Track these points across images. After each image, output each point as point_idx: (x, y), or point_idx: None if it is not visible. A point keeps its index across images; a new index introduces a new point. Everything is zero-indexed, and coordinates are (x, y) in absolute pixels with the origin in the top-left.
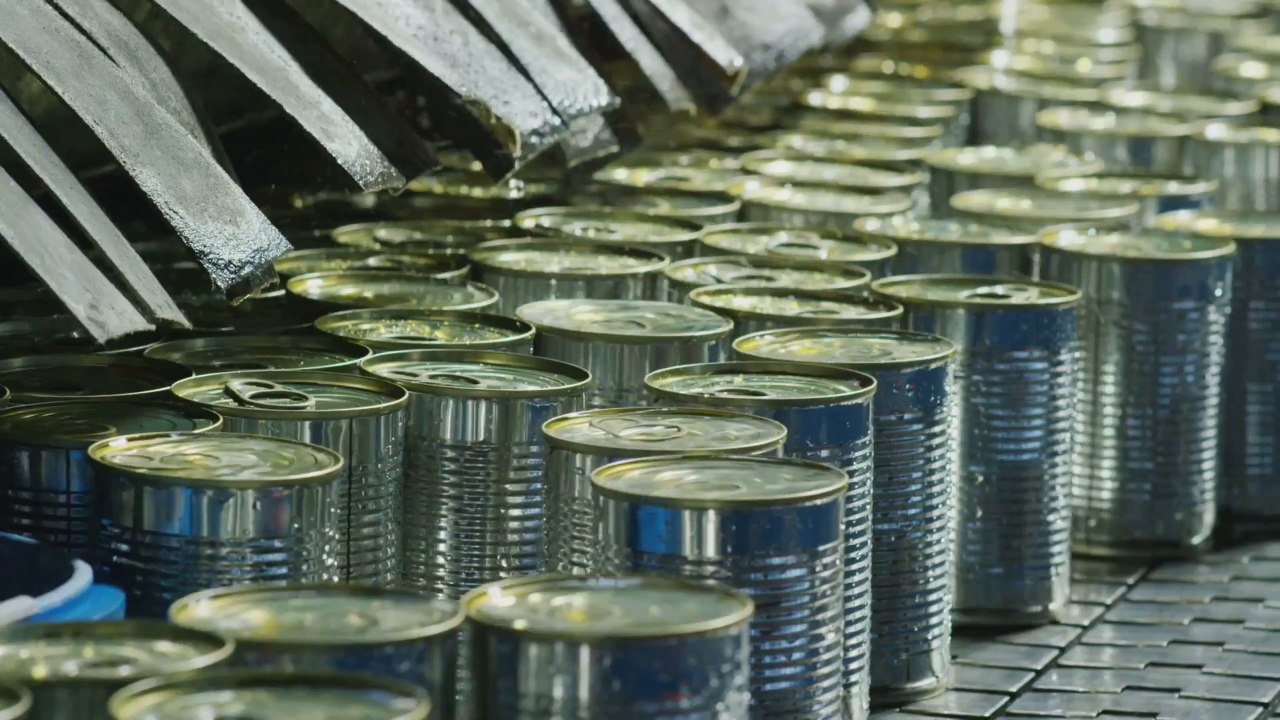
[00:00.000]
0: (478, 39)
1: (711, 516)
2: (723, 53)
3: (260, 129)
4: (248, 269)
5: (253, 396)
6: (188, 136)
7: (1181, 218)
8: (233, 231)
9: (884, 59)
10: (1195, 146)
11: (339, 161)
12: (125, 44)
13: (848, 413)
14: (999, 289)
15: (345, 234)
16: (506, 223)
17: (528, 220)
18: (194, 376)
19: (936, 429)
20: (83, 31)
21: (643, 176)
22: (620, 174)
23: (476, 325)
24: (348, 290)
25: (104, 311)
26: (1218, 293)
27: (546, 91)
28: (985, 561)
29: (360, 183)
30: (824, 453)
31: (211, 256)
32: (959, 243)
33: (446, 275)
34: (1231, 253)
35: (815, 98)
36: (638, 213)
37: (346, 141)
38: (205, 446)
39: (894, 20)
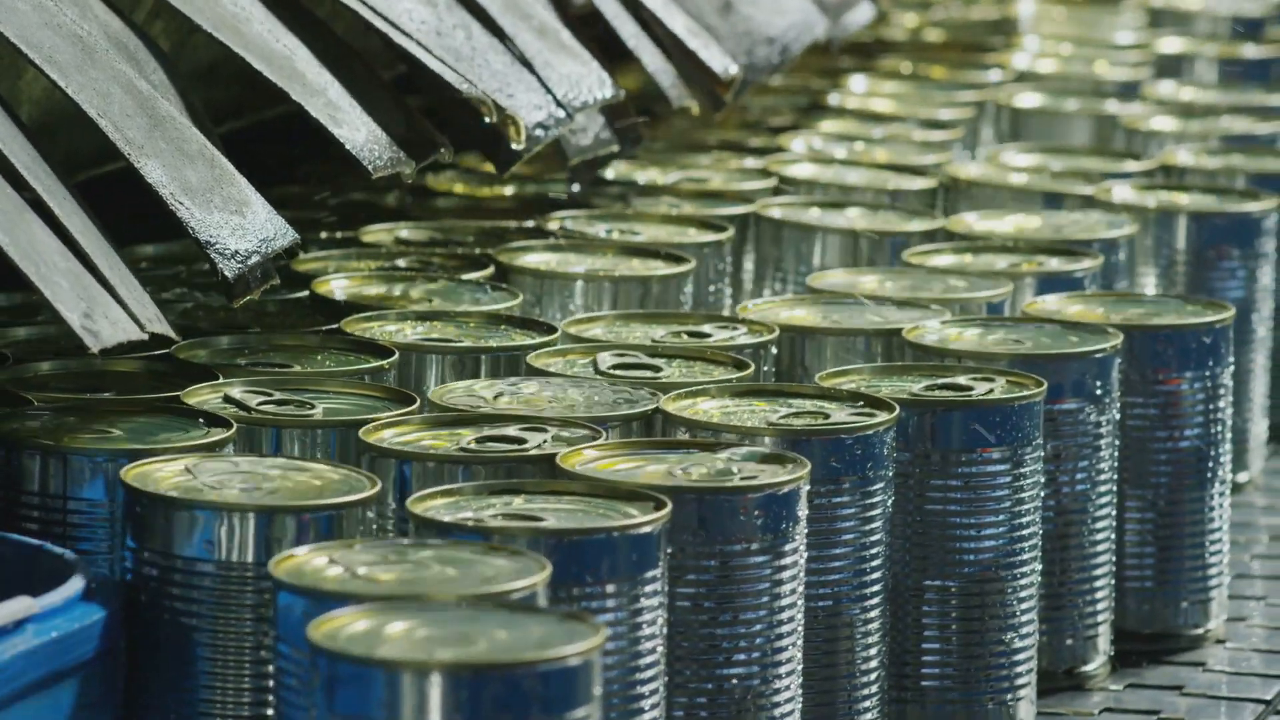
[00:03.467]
0: (481, 33)
1: (436, 680)
2: (718, 60)
3: (262, 128)
4: (254, 259)
5: (258, 405)
6: (192, 128)
7: (1055, 303)
8: (239, 222)
9: (903, 59)
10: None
11: (347, 147)
12: (124, 46)
13: (634, 544)
14: (960, 379)
15: (368, 234)
16: (530, 223)
17: (551, 222)
18: (214, 382)
19: (786, 560)
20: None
21: (664, 177)
22: (643, 175)
23: (503, 327)
24: (372, 290)
25: (98, 320)
26: (1099, 390)
27: (551, 84)
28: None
29: (369, 168)
30: (609, 588)
31: (218, 247)
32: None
33: (471, 276)
34: (1118, 345)
35: (837, 98)
36: (662, 214)
37: (354, 127)
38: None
39: (910, 20)
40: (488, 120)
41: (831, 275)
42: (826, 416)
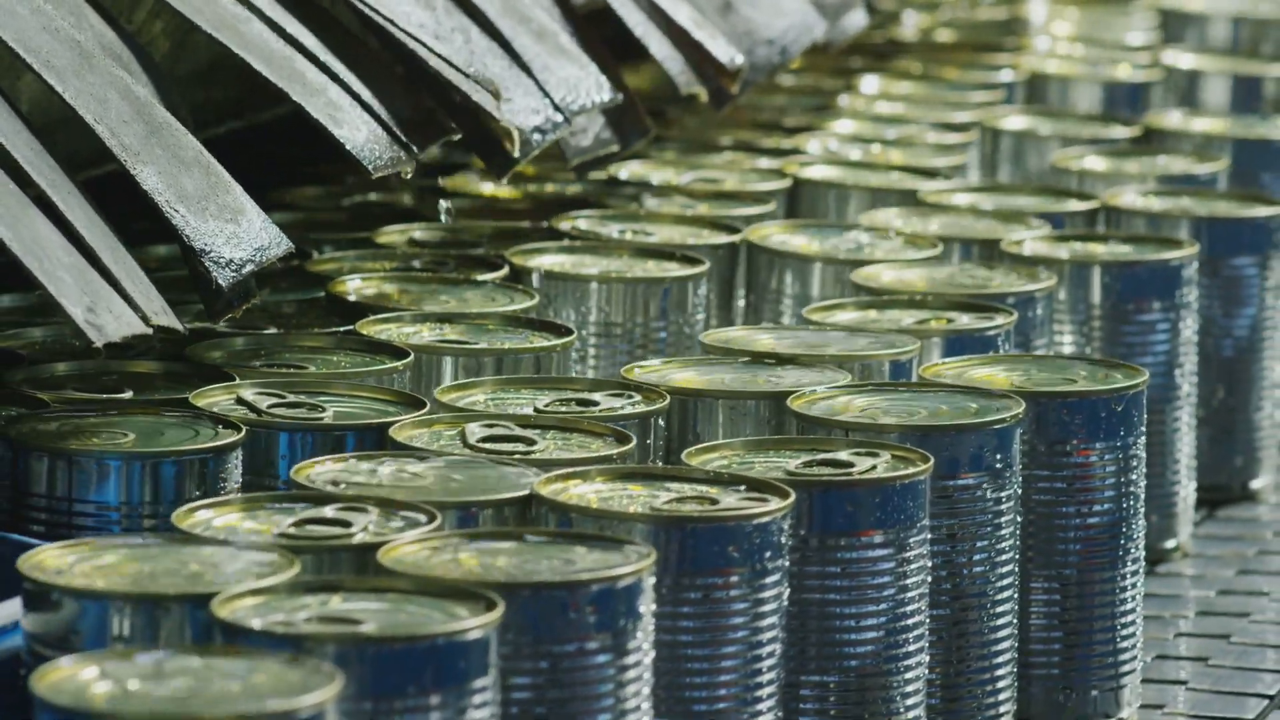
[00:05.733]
0: (479, 36)
1: None
2: (723, 50)
3: (265, 128)
4: (249, 267)
5: (268, 407)
6: (188, 135)
7: (956, 366)
8: (233, 230)
9: (915, 60)
10: (1012, 258)
11: (347, 147)
12: (118, 57)
13: (462, 651)
14: (841, 455)
15: (382, 235)
16: (544, 224)
17: (565, 222)
18: (224, 384)
19: (629, 659)
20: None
21: (678, 178)
22: (656, 175)
23: (521, 330)
24: (387, 291)
25: (101, 315)
26: (999, 464)
27: (549, 88)
28: None
29: (370, 167)
30: (432, 699)
31: (213, 255)
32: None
33: (486, 277)
34: (1019, 415)
35: (850, 99)
36: (675, 214)
37: (355, 127)
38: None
39: (921, 20)
40: (496, 100)
41: (728, 332)
42: (714, 502)
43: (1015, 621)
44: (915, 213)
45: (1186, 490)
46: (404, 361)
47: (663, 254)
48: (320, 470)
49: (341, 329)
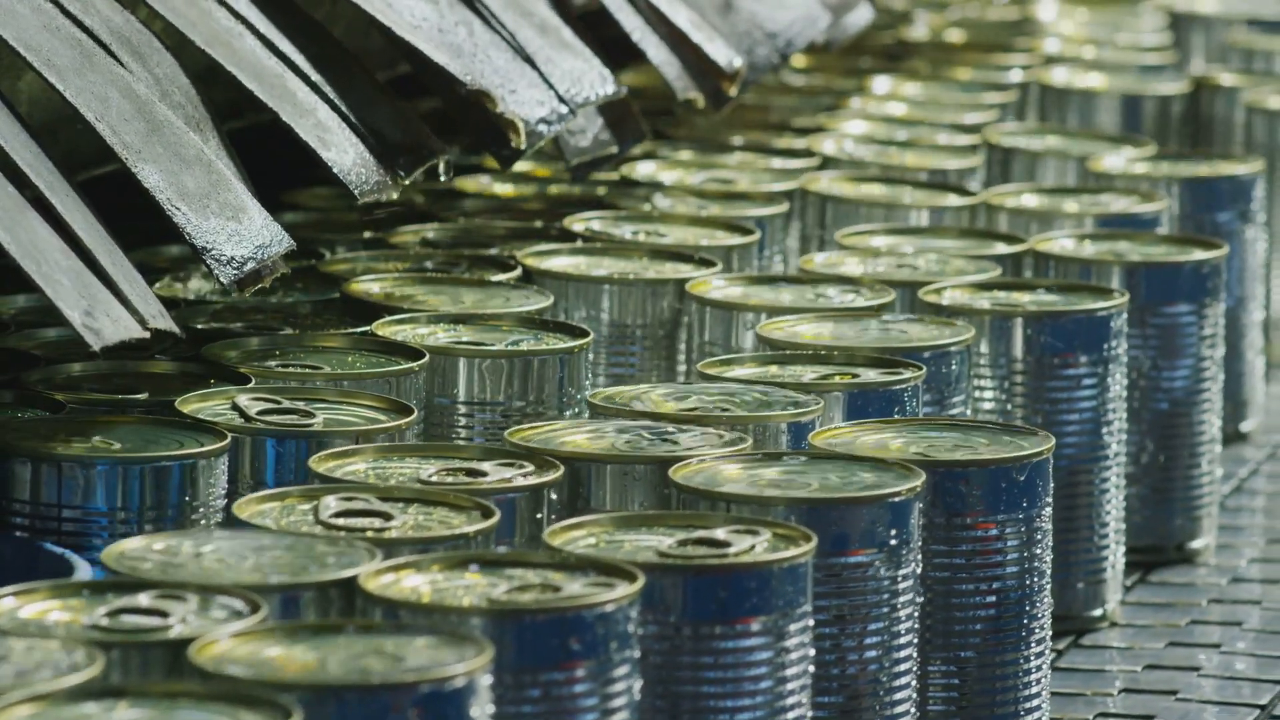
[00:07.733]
0: (482, 30)
1: None
2: (722, 53)
3: (264, 128)
4: (250, 265)
5: (259, 413)
6: (189, 134)
7: (850, 431)
8: (235, 228)
9: (925, 60)
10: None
11: (335, 170)
12: (128, 40)
13: None
14: (719, 532)
15: (395, 236)
16: (557, 225)
17: (578, 223)
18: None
19: None
20: (84, 29)
21: (690, 178)
22: (668, 176)
23: (535, 331)
24: (402, 292)
25: (99, 319)
26: (895, 540)
27: (553, 81)
28: None
29: (356, 192)
30: None
31: (214, 253)
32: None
33: (500, 278)
34: (917, 488)
35: (861, 100)
36: (689, 215)
37: (343, 150)
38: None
39: (931, 20)
40: (497, 110)
41: (626, 390)
42: (556, 590)
43: (914, 710)
44: (845, 256)
45: (1115, 555)
46: (419, 362)
47: (678, 255)
48: (142, 548)
49: (358, 329)
